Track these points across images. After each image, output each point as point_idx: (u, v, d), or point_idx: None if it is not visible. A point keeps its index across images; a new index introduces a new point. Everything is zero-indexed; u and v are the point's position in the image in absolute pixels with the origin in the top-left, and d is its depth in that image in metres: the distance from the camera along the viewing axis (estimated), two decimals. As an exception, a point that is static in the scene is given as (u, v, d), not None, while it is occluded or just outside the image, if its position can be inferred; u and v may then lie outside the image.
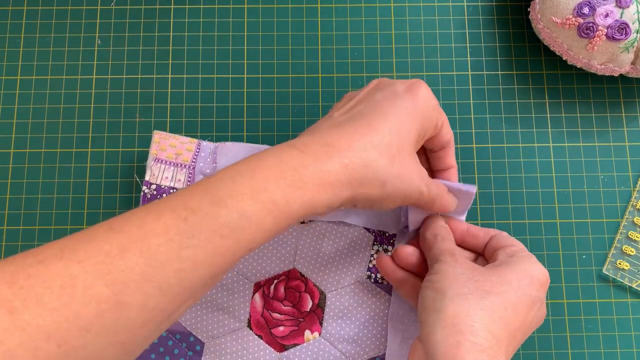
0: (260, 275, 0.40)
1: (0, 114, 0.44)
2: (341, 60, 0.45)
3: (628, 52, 0.40)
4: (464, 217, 0.39)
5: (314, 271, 0.40)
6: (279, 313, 0.39)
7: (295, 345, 0.39)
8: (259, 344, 0.39)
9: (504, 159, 0.43)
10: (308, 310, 0.39)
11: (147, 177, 0.40)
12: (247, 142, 0.43)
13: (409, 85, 0.34)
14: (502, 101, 0.44)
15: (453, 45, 0.45)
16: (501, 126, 0.44)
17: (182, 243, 0.26)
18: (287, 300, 0.40)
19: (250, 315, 0.39)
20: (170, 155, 0.40)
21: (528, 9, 0.44)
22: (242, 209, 0.27)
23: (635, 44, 0.40)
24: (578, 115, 0.44)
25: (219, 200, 0.27)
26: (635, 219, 0.42)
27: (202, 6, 0.46)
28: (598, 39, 0.40)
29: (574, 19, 0.40)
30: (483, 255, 0.37)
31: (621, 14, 0.40)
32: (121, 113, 0.44)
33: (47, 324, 0.22)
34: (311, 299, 0.40)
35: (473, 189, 0.37)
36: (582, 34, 0.40)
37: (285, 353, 0.39)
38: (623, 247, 0.42)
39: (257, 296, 0.40)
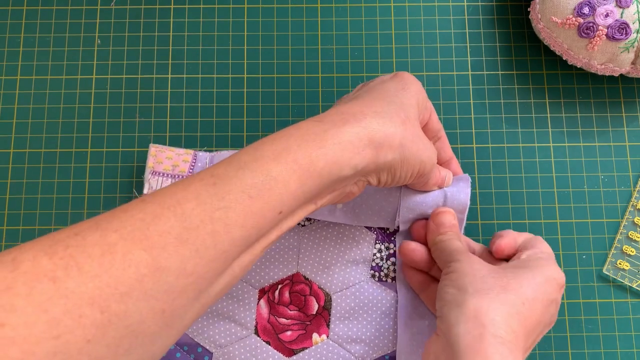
0: (264, 281, 0.40)
1: (0, 114, 0.44)
2: (341, 60, 0.45)
3: (628, 52, 0.40)
4: (462, 224, 0.39)
5: (317, 273, 0.40)
6: (285, 318, 0.39)
7: (303, 349, 0.39)
8: (267, 350, 0.39)
9: (504, 159, 0.43)
10: (314, 313, 0.39)
11: (145, 191, 0.40)
12: (247, 142, 0.43)
13: (393, 74, 0.36)
14: (502, 101, 0.44)
15: (453, 45, 0.45)
16: (501, 126, 0.44)
17: (213, 205, 0.26)
18: (292, 305, 0.40)
19: (256, 321, 0.39)
20: (167, 167, 0.40)
21: (528, 9, 0.43)
22: (267, 170, 0.28)
23: (636, 43, 0.40)
24: (578, 115, 0.44)
25: (244, 165, 0.28)
26: (635, 219, 0.42)
27: (202, 6, 0.46)
28: (598, 38, 0.40)
29: (574, 19, 0.40)
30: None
31: (621, 14, 0.40)
32: (121, 113, 0.44)
33: (90, 290, 0.23)
34: (317, 302, 0.40)
35: (467, 178, 0.38)
36: (583, 33, 0.40)
37: (295, 357, 0.39)
38: (623, 247, 0.42)
39: (263, 302, 0.40)
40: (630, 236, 0.42)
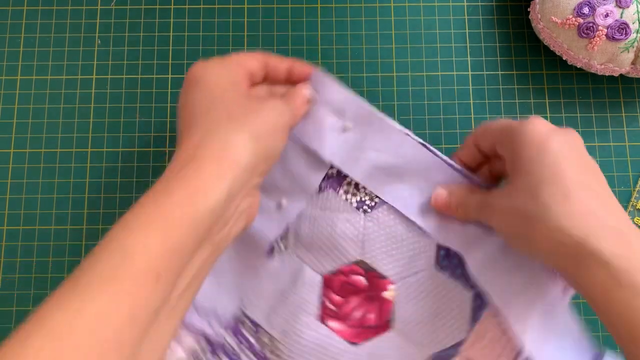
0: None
1: (0, 114, 0.44)
2: (341, 60, 0.45)
3: (628, 52, 0.40)
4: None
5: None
6: (348, 307, 0.39)
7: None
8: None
9: (504, 159, 0.43)
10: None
11: None
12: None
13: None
14: (502, 101, 0.44)
15: (453, 45, 0.45)
16: (501, 126, 0.44)
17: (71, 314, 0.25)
18: (354, 294, 0.39)
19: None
20: None
21: (528, 9, 0.44)
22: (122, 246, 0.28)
23: (636, 44, 0.40)
24: (578, 115, 0.44)
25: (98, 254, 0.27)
26: (635, 219, 0.42)
27: (202, 6, 0.46)
28: (598, 39, 0.40)
29: (574, 19, 0.40)
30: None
31: (621, 14, 0.40)
32: (121, 113, 0.44)
33: None
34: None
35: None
36: (582, 34, 0.40)
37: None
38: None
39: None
40: (630, 236, 0.42)
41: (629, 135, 0.44)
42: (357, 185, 0.39)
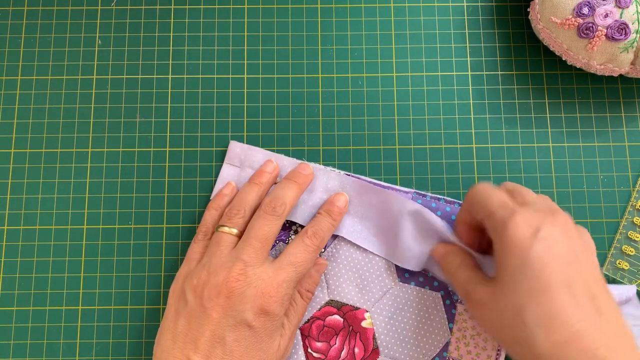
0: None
1: (0, 114, 0.44)
2: (341, 60, 0.45)
3: (628, 52, 0.40)
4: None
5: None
6: (334, 349, 0.40)
7: None
8: None
9: (503, 159, 0.43)
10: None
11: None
12: (247, 142, 0.43)
13: (260, 304, 0.35)
14: (501, 101, 0.44)
15: (453, 45, 0.45)
16: (501, 126, 0.44)
17: None
18: (336, 335, 0.40)
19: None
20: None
21: (528, 9, 0.44)
22: None
23: (635, 44, 0.40)
24: (578, 115, 0.44)
25: None
26: (634, 219, 0.42)
27: (202, 6, 0.46)
28: (597, 39, 0.40)
29: (573, 19, 0.40)
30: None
31: (621, 14, 0.40)
32: (121, 113, 0.44)
33: None
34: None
35: None
36: (582, 34, 0.40)
37: None
38: (623, 247, 0.42)
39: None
40: (630, 236, 0.42)
41: (628, 135, 0.44)
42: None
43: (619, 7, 0.40)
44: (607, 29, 0.39)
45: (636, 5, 0.40)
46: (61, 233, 0.42)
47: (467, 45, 0.45)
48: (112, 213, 0.42)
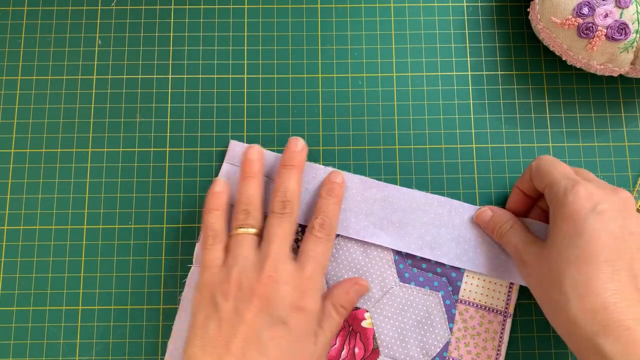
0: None
1: (0, 114, 0.44)
2: (341, 60, 0.45)
3: (627, 52, 0.40)
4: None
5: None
6: (334, 350, 0.40)
7: None
8: None
9: (503, 159, 0.43)
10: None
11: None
12: (247, 142, 0.43)
13: (296, 301, 0.35)
14: (501, 101, 0.44)
15: (453, 45, 0.45)
16: (501, 126, 0.44)
17: None
18: (337, 335, 0.40)
19: None
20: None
21: (528, 9, 0.44)
22: None
23: (635, 44, 0.40)
24: (578, 115, 0.44)
25: None
26: (634, 219, 0.42)
27: (202, 6, 0.46)
28: (597, 39, 0.40)
29: (573, 19, 0.40)
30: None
31: (621, 14, 0.40)
32: (121, 113, 0.44)
33: None
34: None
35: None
36: (582, 34, 0.40)
37: None
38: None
39: None
40: (630, 236, 0.42)
41: (628, 135, 0.44)
42: (304, 231, 0.41)
43: (619, 7, 0.40)
44: (607, 29, 0.39)
45: (636, 5, 0.40)
46: (61, 233, 0.42)
47: (467, 45, 0.45)
48: (112, 213, 0.42)
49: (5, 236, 0.42)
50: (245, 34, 0.45)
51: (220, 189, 0.40)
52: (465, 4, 0.46)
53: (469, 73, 0.45)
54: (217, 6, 0.46)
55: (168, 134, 0.44)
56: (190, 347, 0.35)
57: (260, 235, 0.38)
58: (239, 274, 0.35)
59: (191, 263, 0.41)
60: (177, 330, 0.40)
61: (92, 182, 0.43)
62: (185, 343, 0.36)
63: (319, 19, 0.46)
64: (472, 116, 0.44)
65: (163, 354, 0.41)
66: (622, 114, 0.44)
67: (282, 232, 0.37)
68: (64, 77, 0.45)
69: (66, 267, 0.42)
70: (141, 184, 0.43)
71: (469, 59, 0.45)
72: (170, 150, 0.43)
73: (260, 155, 0.41)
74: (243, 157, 0.40)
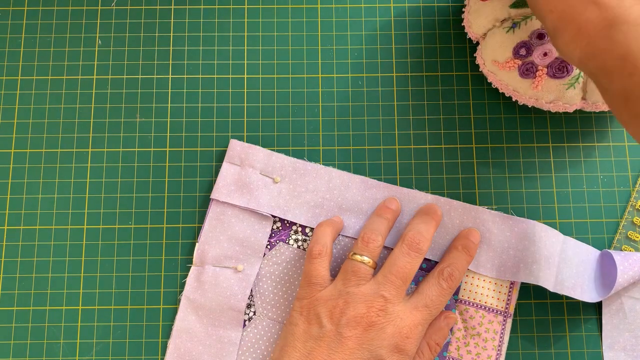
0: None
1: (1, 114, 0.44)
2: (341, 60, 0.45)
3: (574, 88, 0.40)
4: None
5: None
6: None
7: None
8: None
9: (503, 159, 0.43)
10: None
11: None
12: (247, 141, 0.43)
13: (397, 344, 0.35)
14: (501, 101, 0.44)
15: (453, 45, 0.45)
16: (501, 126, 0.44)
17: None
18: None
19: None
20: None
21: (474, 54, 0.43)
22: None
23: (581, 79, 0.39)
24: (577, 115, 0.44)
25: None
26: (634, 219, 0.42)
27: (202, 7, 0.46)
28: (540, 78, 0.39)
29: (513, 61, 0.39)
30: None
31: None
32: (121, 113, 0.44)
33: None
34: None
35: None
36: (523, 74, 0.39)
37: None
38: (622, 247, 0.42)
39: None
40: (630, 236, 0.42)
41: (627, 135, 0.44)
42: (304, 230, 0.41)
43: None
44: (547, 68, 0.39)
45: None
46: (61, 233, 0.42)
47: (467, 45, 0.45)
48: (112, 213, 0.43)
49: (5, 236, 0.42)
50: (245, 34, 0.45)
51: (338, 219, 0.40)
52: (465, 4, 0.46)
53: (469, 73, 0.45)
54: (217, 6, 0.46)
55: (168, 134, 0.44)
56: (287, 357, 0.35)
57: (374, 269, 0.38)
58: (346, 302, 0.35)
59: (191, 263, 0.41)
60: (177, 330, 0.40)
61: (92, 182, 0.43)
62: (282, 350, 0.36)
63: (319, 19, 0.46)
64: (472, 116, 0.44)
65: (163, 354, 0.41)
66: (622, 114, 0.44)
67: (404, 271, 0.36)
68: (64, 77, 0.45)
69: (66, 267, 0.42)
70: (141, 184, 0.43)
71: (468, 59, 0.45)
72: (170, 150, 0.43)
73: (398, 210, 0.41)
74: (383, 202, 0.40)
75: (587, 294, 0.39)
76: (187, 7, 0.46)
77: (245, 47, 0.45)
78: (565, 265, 0.39)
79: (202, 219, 0.42)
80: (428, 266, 0.40)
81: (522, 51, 0.39)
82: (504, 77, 0.41)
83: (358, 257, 0.37)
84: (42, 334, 0.41)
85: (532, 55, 0.39)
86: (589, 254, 0.40)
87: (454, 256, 0.38)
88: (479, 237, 0.40)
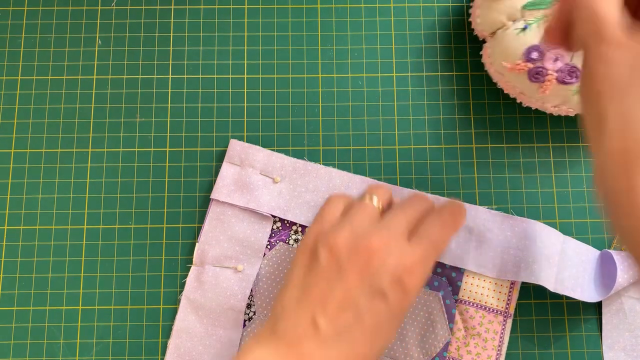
0: None
1: (1, 114, 0.44)
2: (341, 60, 0.45)
3: None
4: None
5: None
6: None
7: None
8: None
9: (503, 159, 0.43)
10: None
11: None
12: (247, 141, 0.43)
13: (399, 278, 0.33)
14: (501, 101, 0.44)
15: (453, 45, 0.45)
16: (501, 126, 0.44)
17: None
18: None
19: None
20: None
21: (480, 52, 0.43)
22: None
23: None
24: (578, 115, 0.44)
25: None
26: (634, 219, 0.42)
27: (202, 7, 0.46)
28: (549, 83, 0.39)
29: (523, 64, 0.39)
30: None
31: (571, 57, 0.39)
32: (121, 113, 0.44)
33: None
34: None
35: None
36: (533, 78, 0.39)
37: None
38: (622, 247, 0.42)
39: None
40: (630, 236, 0.42)
41: (628, 135, 0.44)
42: (304, 230, 0.42)
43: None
44: (557, 73, 0.39)
45: None
46: (61, 233, 0.42)
47: (467, 45, 0.45)
48: (112, 213, 0.43)
49: (5, 236, 0.42)
50: (245, 34, 0.45)
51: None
52: (465, 4, 0.46)
53: (469, 73, 0.45)
54: (217, 6, 0.46)
55: (168, 134, 0.44)
56: (286, 295, 0.34)
57: (382, 214, 0.37)
58: (350, 233, 0.34)
59: (191, 263, 0.41)
60: (177, 330, 0.40)
61: (92, 182, 0.43)
62: (281, 288, 0.35)
63: (319, 19, 0.46)
64: (472, 116, 0.44)
65: (163, 354, 0.41)
66: (622, 114, 0.44)
67: (407, 216, 0.35)
68: (64, 77, 0.45)
69: (66, 267, 0.42)
70: (141, 184, 0.43)
71: (468, 59, 0.45)
72: (170, 150, 0.43)
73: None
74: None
75: (587, 294, 0.39)
76: (187, 7, 0.46)
77: (245, 47, 0.45)
78: (565, 265, 0.39)
79: (202, 219, 0.42)
80: (443, 271, 0.40)
81: (534, 55, 0.39)
82: (512, 79, 0.40)
83: (367, 197, 0.37)
84: (42, 334, 0.41)
85: (544, 60, 0.39)
86: (589, 254, 0.40)
87: (456, 202, 0.38)
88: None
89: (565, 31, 0.31)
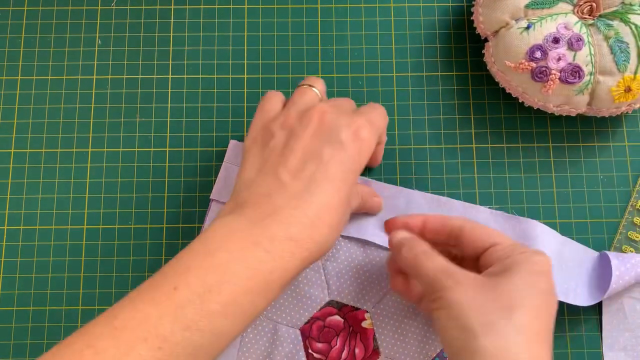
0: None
1: (0, 114, 0.44)
2: (341, 60, 0.45)
3: (583, 94, 0.39)
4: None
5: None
6: (335, 350, 0.40)
7: None
8: None
9: (503, 159, 0.43)
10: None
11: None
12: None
13: (354, 131, 0.33)
14: (502, 101, 0.44)
15: (453, 45, 0.45)
16: (501, 126, 0.44)
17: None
18: (336, 335, 0.40)
19: None
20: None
21: (482, 51, 0.43)
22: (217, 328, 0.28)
23: (590, 86, 0.39)
24: (578, 115, 0.44)
25: (190, 325, 0.28)
26: (634, 219, 0.42)
27: (202, 6, 0.46)
28: (552, 82, 0.39)
29: (526, 63, 0.39)
30: (448, 244, 0.36)
31: (574, 57, 0.39)
32: (121, 113, 0.44)
33: None
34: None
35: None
36: (536, 77, 0.39)
37: None
38: (623, 247, 0.42)
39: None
40: (630, 236, 0.42)
41: (628, 135, 0.44)
42: None
43: (572, 50, 0.39)
44: (560, 73, 0.39)
45: (589, 47, 0.39)
46: (61, 233, 0.42)
47: (467, 45, 0.45)
48: (112, 213, 0.43)
49: (5, 236, 0.42)
50: (245, 34, 0.45)
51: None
52: (465, 4, 0.46)
53: (469, 73, 0.45)
54: (217, 6, 0.46)
55: (168, 134, 0.44)
56: (244, 174, 0.33)
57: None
58: (298, 110, 0.34)
59: (191, 263, 0.41)
60: None
61: (92, 182, 0.43)
62: (237, 175, 0.34)
63: (319, 19, 0.46)
64: (472, 116, 0.44)
65: (163, 354, 0.41)
66: (622, 114, 0.44)
67: (345, 101, 0.36)
68: (64, 77, 0.45)
69: (66, 267, 0.42)
70: (141, 184, 0.43)
71: (469, 59, 0.45)
72: (170, 150, 0.43)
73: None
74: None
75: (579, 298, 0.39)
76: (187, 7, 0.46)
77: (245, 47, 0.45)
78: (559, 269, 0.39)
79: (202, 219, 0.42)
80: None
81: (538, 54, 0.39)
82: (515, 79, 0.40)
83: (305, 85, 0.36)
84: (42, 334, 0.41)
85: (547, 59, 0.39)
86: (587, 257, 0.40)
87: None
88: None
89: (406, 280, 0.36)
